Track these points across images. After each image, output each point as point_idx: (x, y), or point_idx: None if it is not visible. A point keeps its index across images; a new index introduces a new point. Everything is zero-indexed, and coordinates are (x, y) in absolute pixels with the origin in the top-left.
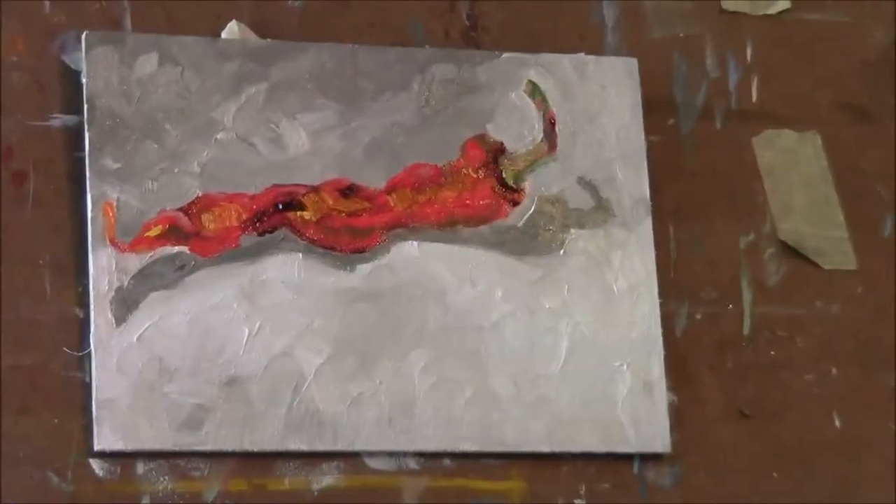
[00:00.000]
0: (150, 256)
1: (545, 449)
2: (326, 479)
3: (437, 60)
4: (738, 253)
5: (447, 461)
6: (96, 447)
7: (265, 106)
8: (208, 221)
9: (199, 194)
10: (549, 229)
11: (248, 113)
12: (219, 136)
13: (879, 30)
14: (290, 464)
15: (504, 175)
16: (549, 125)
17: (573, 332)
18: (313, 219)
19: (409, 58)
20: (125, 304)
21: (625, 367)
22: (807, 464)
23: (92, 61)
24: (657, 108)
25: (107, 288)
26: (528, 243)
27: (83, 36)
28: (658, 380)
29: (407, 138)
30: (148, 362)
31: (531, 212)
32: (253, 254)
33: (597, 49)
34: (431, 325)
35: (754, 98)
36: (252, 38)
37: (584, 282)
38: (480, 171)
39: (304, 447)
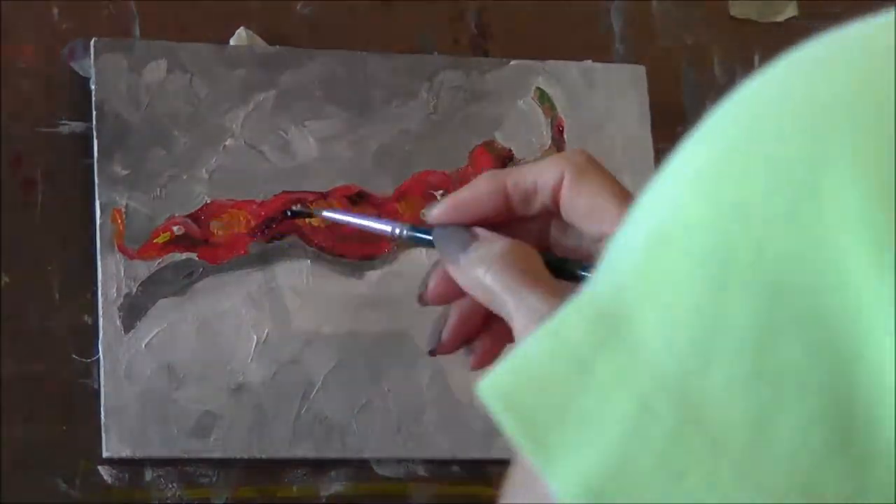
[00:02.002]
0: (159, 263)
1: None
2: (335, 486)
3: (445, 67)
4: None
5: (456, 468)
6: (105, 454)
7: (274, 113)
8: (217, 228)
9: (208, 201)
10: None
11: (257, 120)
12: (227, 143)
13: None
14: (299, 471)
15: None
16: (558, 132)
17: None
18: (322, 226)
19: (418, 65)
20: (133, 310)
21: None
22: None
23: (101, 68)
24: (665, 116)
25: (115, 295)
26: None
27: (92, 43)
28: None
29: (415, 145)
30: (156, 369)
31: None
32: (261, 261)
33: (605, 56)
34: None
35: None
36: (261, 45)
37: None
38: None
39: (312, 454)
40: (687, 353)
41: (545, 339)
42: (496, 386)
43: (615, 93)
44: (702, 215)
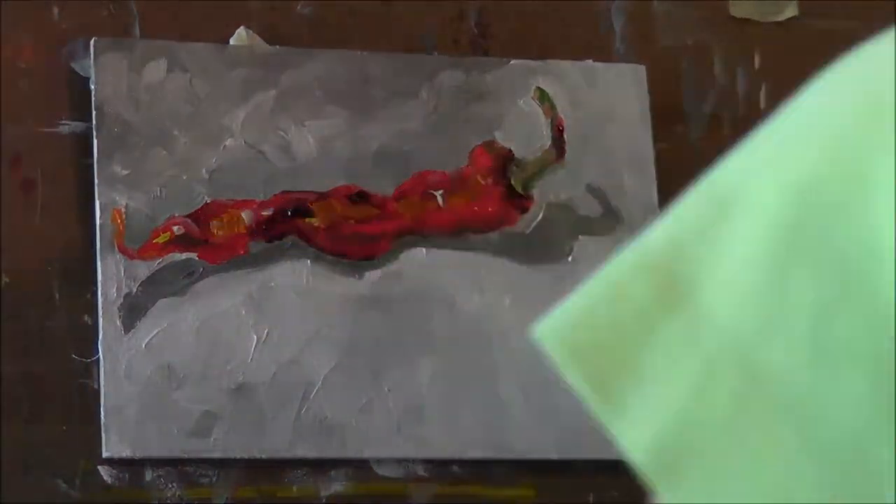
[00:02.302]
0: (159, 263)
1: (554, 456)
2: (335, 486)
3: (445, 67)
4: None
5: (455, 468)
6: (105, 454)
7: (274, 113)
8: (217, 228)
9: (208, 201)
10: (558, 236)
11: (257, 120)
12: (227, 143)
13: None
14: (299, 471)
15: (513, 182)
16: (558, 132)
17: None
18: (322, 226)
19: (418, 65)
20: (133, 311)
21: None
22: None
23: (101, 68)
24: (666, 116)
25: (115, 295)
26: (536, 250)
27: (92, 43)
28: None
29: (415, 145)
30: (156, 369)
31: (539, 219)
32: (261, 261)
33: (606, 56)
34: (440, 332)
35: (763, 105)
36: (261, 45)
37: None
38: (489, 178)
39: (312, 454)
40: (751, 324)
41: (603, 289)
42: (556, 333)
43: (615, 93)
44: (770, 195)
